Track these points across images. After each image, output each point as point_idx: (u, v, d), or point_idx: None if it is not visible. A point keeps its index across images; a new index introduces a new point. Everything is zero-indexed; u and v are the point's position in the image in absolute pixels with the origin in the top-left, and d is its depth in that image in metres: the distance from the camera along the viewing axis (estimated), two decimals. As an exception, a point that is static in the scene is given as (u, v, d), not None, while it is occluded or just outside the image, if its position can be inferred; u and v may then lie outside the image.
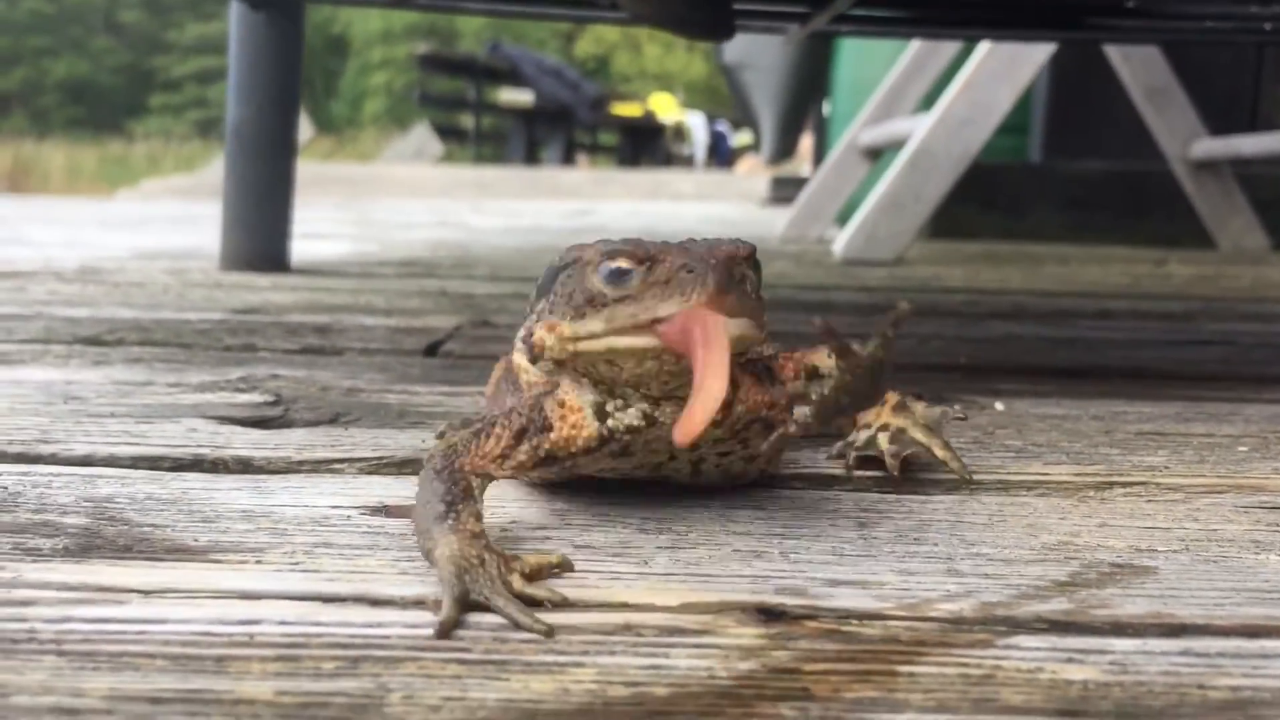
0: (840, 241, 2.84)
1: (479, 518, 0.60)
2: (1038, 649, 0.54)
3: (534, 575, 0.58)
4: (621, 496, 0.75)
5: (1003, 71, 2.73)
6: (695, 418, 0.56)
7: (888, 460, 0.79)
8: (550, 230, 3.89)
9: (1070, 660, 0.52)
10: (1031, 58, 2.74)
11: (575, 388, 0.66)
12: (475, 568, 0.56)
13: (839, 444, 0.83)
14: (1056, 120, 4.07)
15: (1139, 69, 3.32)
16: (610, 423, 0.66)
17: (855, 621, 0.56)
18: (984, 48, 2.74)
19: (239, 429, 0.92)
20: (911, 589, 0.61)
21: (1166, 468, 0.87)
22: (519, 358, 0.71)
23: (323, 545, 0.65)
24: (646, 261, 0.60)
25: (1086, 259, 3.06)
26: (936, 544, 0.69)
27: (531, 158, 14.15)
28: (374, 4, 2.14)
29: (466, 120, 15.28)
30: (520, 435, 0.65)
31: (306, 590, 0.58)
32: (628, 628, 0.55)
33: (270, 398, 1.02)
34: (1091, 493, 0.81)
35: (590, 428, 0.66)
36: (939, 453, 0.79)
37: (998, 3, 1.66)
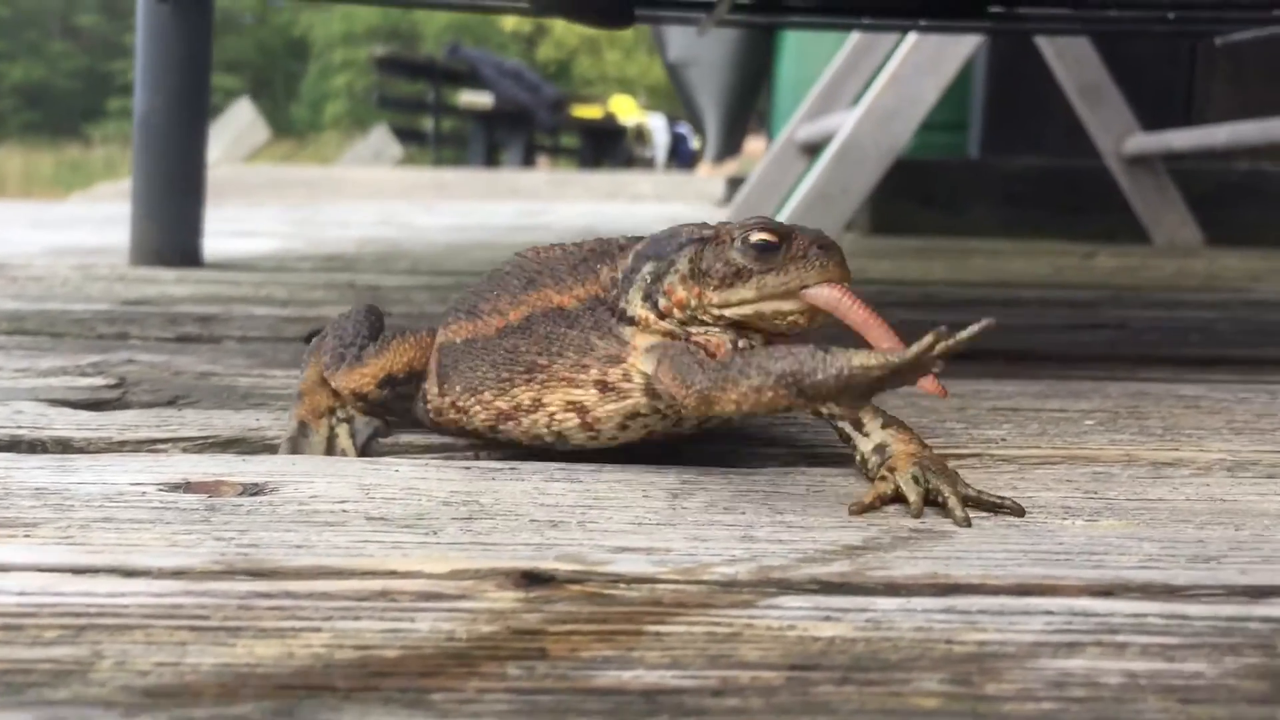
0: (768, 235, 2.83)
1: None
2: (798, 608, 0.52)
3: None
4: (441, 475, 0.74)
5: (928, 65, 2.74)
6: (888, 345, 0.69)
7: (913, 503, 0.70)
8: (496, 229, 3.87)
9: (827, 618, 0.51)
10: (957, 51, 2.75)
11: (709, 332, 0.75)
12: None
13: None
14: (994, 117, 4.08)
15: (1073, 65, 3.33)
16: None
17: (623, 585, 0.55)
18: (909, 42, 2.75)
19: (69, 411, 0.90)
20: (697, 554, 0.60)
21: (1004, 440, 0.86)
22: (625, 325, 0.76)
23: (102, 520, 0.63)
24: (784, 239, 0.72)
25: (1017, 253, 3.07)
26: (744, 513, 0.67)
27: (492, 160, 14.10)
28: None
29: (426, 123, 15.22)
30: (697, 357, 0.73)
31: (60, 562, 0.56)
32: (384, 594, 0.53)
33: (113, 381, 1.00)
34: (925, 465, 0.80)
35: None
36: (955, 510, 0.69)
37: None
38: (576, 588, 0.55)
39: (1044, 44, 3.28)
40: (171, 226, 2.17)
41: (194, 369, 1.08)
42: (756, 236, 0.73)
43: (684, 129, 16.34)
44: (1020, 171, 3.83)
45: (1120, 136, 3.35)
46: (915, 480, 0.71)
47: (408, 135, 15.66)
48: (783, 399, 0.66)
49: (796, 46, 4.52)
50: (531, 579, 0.55)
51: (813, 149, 3.51)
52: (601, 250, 0.81)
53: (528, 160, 14.68)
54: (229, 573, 0.56)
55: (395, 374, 0.83)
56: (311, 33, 27.80)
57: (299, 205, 5.37)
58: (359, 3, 2.04)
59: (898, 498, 0.71)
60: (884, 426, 0.78)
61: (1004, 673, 0.46)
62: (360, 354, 0.84)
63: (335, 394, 0.85)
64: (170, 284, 1.87)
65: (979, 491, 0.71)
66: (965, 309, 1.75)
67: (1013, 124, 4.04)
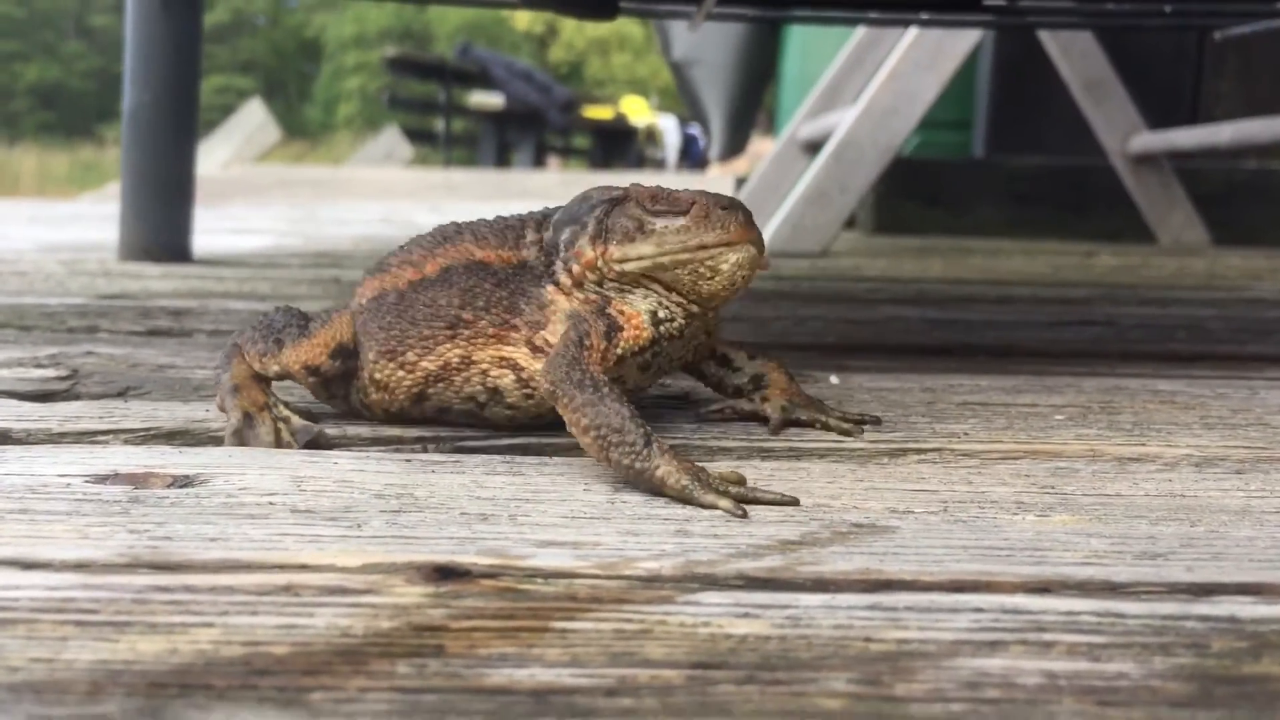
0: (767, 234, 2.80)
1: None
2: (717, 605, 0.50)
3: (727, 480, 0.68)
4: (380, 468, 0.72)
5: (927, 61, 2.71)
6: None
7: (773, 421, 0.85)
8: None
9: (745, 615, 0.49)
10: (956, 47, 2.72)
11: (627, 300, 0.77)
12: (699, 480, 0.66)
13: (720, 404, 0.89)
14: (1000, 116, 4.05)
15: (1078, 62, 3.29)
16: (661, 328, 0.77)
17: (540, 580, 0.53)
18: (908, 38, 2.72)
19: (13, 403, 0.88)
20: (625, 549, 0.58)
21: (968, 434, 0.84)
22: (549, 289, 0.78)
23: (18, 512, 0.62)
24: (690, 200, 0.74)
25: (1018, 252, 3.04)
26: (683, 507, 0.65)
27: (503, 161, 14.09)
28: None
29: (437, 123, 15.22)
30: (607, 336, 0.75)
31: (-40, 552, 0.55)
32: (288, 588, 0.51)
33: (65, 373, 0.98)
34: (883, 459, 0.78)
35: (648, 330, 0.77)
36: (831, 423, 0.85)
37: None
38: (490, 583, 0.52)
39: (1049, 41, 3.25)
40: (160, 223, 2.15)
41: (154, 361, 1.06)
42: (661, 195, 0.75)
43: (695, 130, 16.32)
44: (1025, 170, 3.79)
45: (1126, 135, 3.31)
46: (783, 409, 0.85)
47: (419, 136, 15.67)
48: (590, 447, 0.69)
49: (802, 43, 4.49)
50: (444, 573, 0.53)
51: (814, 147, 3.48)
52: (530, 220, 0.80)
53: (539, 161, 14.68)
54: (132, 566, 0.54)
55: (345, 343, 0.82)
56: (324, 34, 27.85)
57: (303, 204, 5.36)
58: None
59: (756, 416, 0.86)
60: (752, 358, 0.88)
61: (917, 672, 0.44)
62: (305, 329, 0.82)
63: (268, 388, 0.82)
64: (154, 279, 1.85)
65: (843, 412, 0.86)
66: (955, 306, 1.73)
67: (1018, 122, 4.01)
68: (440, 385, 0.79)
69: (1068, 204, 3.77)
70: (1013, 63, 3.91)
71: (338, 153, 18.19)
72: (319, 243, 2.86)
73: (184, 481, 0.67)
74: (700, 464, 0.69)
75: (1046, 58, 3.30)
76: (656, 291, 0.76)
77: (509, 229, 0.80)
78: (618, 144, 16.33)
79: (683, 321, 0.78)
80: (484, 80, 14.84)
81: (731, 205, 0.74)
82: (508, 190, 8.41)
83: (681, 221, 0.74)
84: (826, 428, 0.84)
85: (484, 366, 0.78)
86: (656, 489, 0.66)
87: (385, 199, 6.77)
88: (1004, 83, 4.01)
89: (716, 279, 0.75)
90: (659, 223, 0.74)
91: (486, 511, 0.64)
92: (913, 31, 2.70)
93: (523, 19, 22.69)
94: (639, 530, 0.61)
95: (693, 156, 16.23)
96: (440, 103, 15.26)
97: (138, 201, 2.15)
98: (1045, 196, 3.80)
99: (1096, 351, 1.27)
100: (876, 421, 0.86)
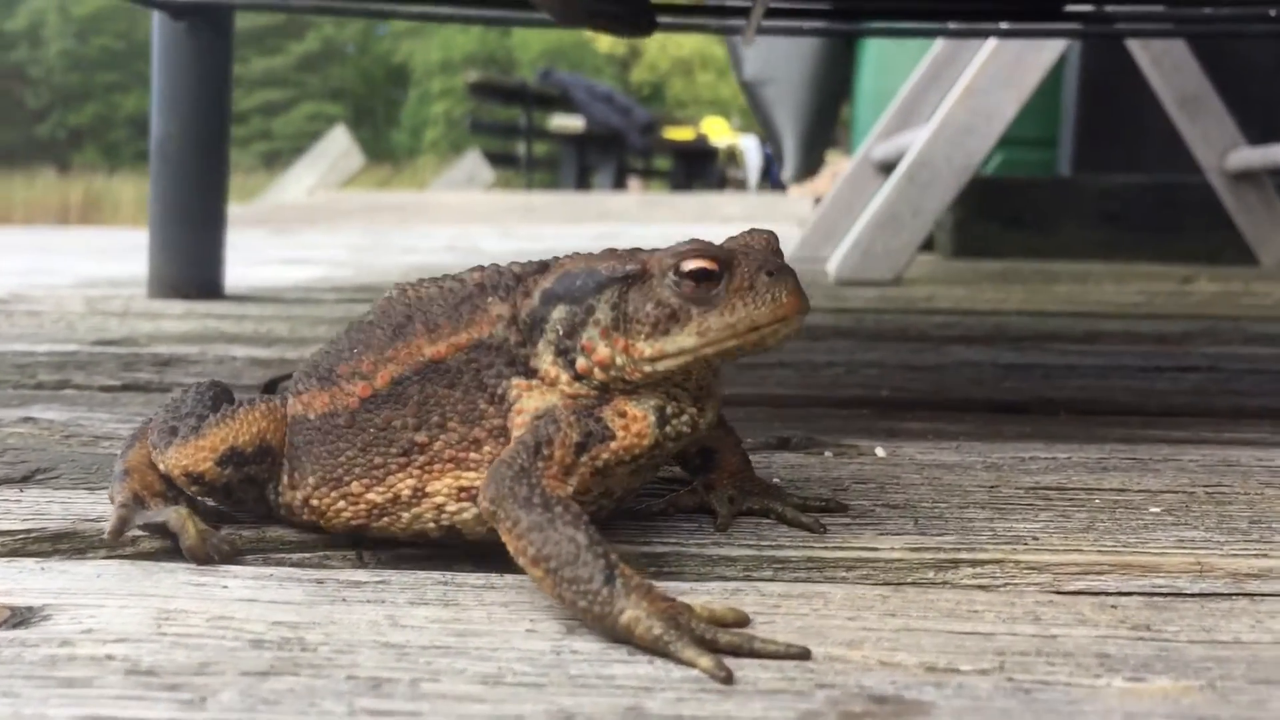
0: (834, 261, 2.63)
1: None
2: None
3: (718, 623, 0.53)
4: (277, 595, 0.58)
5: (1005, 76, 2.52)
6: None
7: (721, 516, 0.70)
8: (564, 250, 3.73)
9: None
10: (1038, 60, 2.53)
11: (631, 398, 0.61)
12: (677, 626, 0.51)
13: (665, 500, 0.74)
14: (1087, 132, 3.83)
15: (1171, 74, 3.08)
16: (668, 428, 0.62)
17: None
18: (986, 52, 2.54)
19: (-102, 490, 0.75)
20: (548, 743, 0.42)
21: (1036, 539, 0.66)
22: (515, 384, 0.62)
23: None
24: (725, 266, 0.59)
25: (1108, 277, 2.83)
26: (649, 664, 0.49)
27: (583, 183, 14.05)
28: (296, 9, 1.98)
29: (519, 147, 15.23)
30: (580, 449, 0.59)
31: None
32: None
33: (-21, 449, 0.85)
34: (925, 574, 0.62)
35: (651, 434, 0.62)
36: (787, 514, 0.71)
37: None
38: None
39: (1139, 52, 3.04)
40: (189, 257, 2.05)
41: (94, 430, 0.93)
42: (690, 265, 0.59)
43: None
44: (1114, 189, 3.57)
45: (1223, 150, 3.08)
46: (731, 501, 0.71)
47: (500, 159, 15.74)
48: (540, 583, 0.54)
49: (878, 59, 4.31)
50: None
51: (888, 168, 3.30)
52: (491, 284, 0.64)
53: (619, 183, 14.65)
54: None
55: (241, 449, 0.66)
56: (412, 60, 28.21)
57: (379, 230, 5.31)
58: (378, 15, 1.90)
59: (703, 509, 0.72)
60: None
61: None
62: (199, 425, 0.67)
63: (166, 480, 0.68)
64: (171, 319, 1.74)
65: (803, 499, 0.72)
66: (1034, 346, 1.54)
67: (1106, 139, 3.78)
68: (386, 520, 0.63)
69: (1161, 224, 3.55)
70: (1100, 77, 3.69)
71: (422, 177, 18.35)
72: (371, 274, 2.75)
73: (19, 619, 0.53)
74: (685, 599, 0.53)
75: (1136, 71, 3.09)
76: (673, 385, 0.62)
77: (464, 302, 0.64)
78: (699, 165, 16.26)
79: (694, 411, 0.63)
80: (565, 103, 14.89)
81: (778, 271, 0.59)
82: (586, 213, 8.33)
83: (720, 297, 0.59)
84: (782, 519, 0.70)
85: (439, 501, 0.62)
86: (623, 636, 0.51)
87: (462, 222, 6.71)
88: (1091, 98, 3.80)
89: (756, 350, 0.61)
90: (695, 304, 0.60)
91: (385, 674, 0.48)
92: (991, 45, 2.52)
93: (604, 42, 22.72)
94: (577, 708, 0.45)
95: (773, 177, 16.07)
96: (522, 126, 15.33)
97: (165, 236, 2.05)
98: (1137, 216, 3.58)
99: (1198, 409, 1.09)
100: (842, 509, 0.72)
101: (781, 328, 0.59)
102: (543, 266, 0.64)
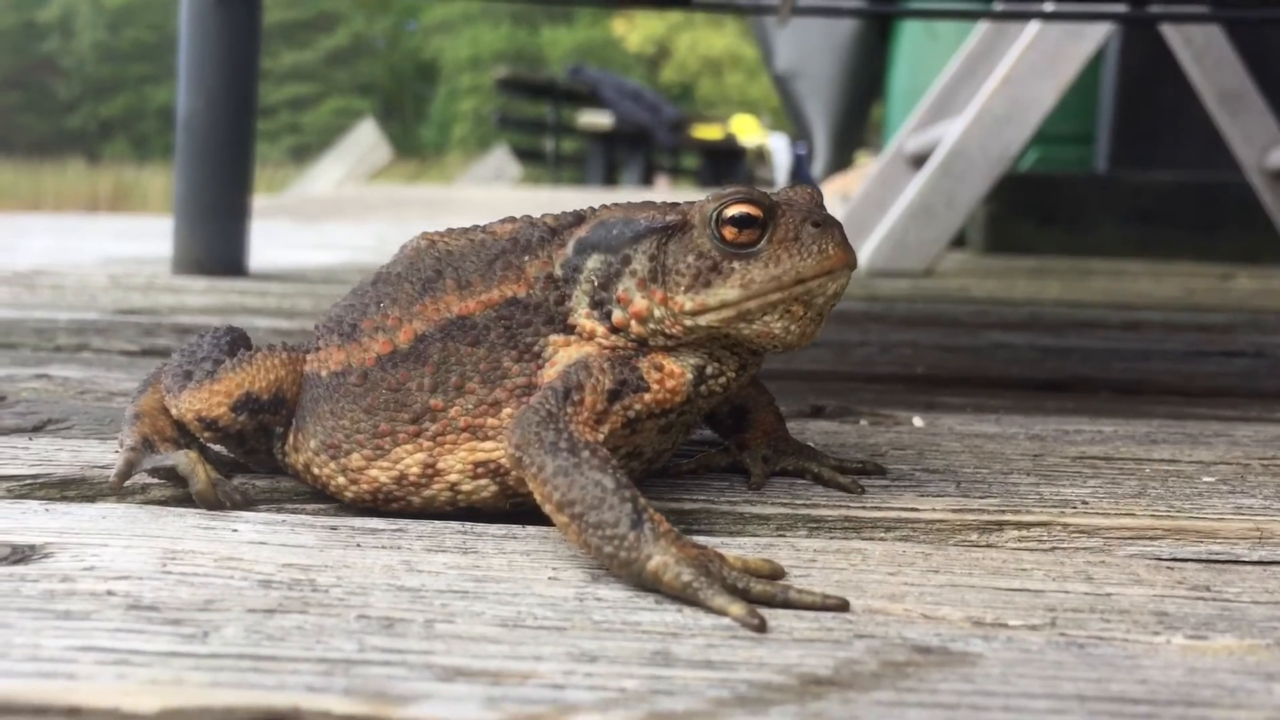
0: (865, 251, 2.59)
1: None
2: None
3: (752, 573, 0.50)
4: (289, 539, 0.55)
5: (1044, 65, 2.48)
6: None
7: (755, 475, 0.68)
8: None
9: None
10: (1077, 50, 2.48)
11: (671, 354, 0.59)
12: (708, 573, 0.48)
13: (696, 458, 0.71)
14: (1124, 129, 3.77)
15: (1212, 69, 3.02)
16: (703, 387, 0.60)
17: None
18: (1025, 40, 2.49)
19: (-95, 436, 0.73)
20: (566, 685, 0.39)
21: (1085, 503, 0.63)
22: (551, 340, 0.59)
23: None
24: (769, 213, 0.56)
25: (1145, 274, 2.78)
26: (678, 611, 0.47)
27: (610, 180, 14.03)
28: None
29: (546, 143, 15.23)
30: (613, 396, 0.57)
31: None
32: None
33: (-12, 401, 0.83)
34: (970, 536, 0.59)
35: (685, 391, 0.59)
36: (824, 474, 0.68)
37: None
38: None
39: (1180, 47, 2.99)
40: (213, 235, 2.03)
41: (110, 388, 0.91)
42: (734, 210, 0.56)
43: (804, 149, 16.09)
44: (1152, 186, 3.52)
45: (1264, 148, 3.02)
46: (765, 460, 0.69)
47: (528, 155, 15.74)
48: (565, 530, 0.51)
49: (911, 54, 4.27)
50: (275, 728, 0.35)
51: (921, 161, 3.26)
52: (525, 238, 0.61)
53: (646, 180, 14.62)
54: None
55: (257, 395, 0.63)
56: (441, 56, 28.25)
57: (405, 222, 5.30)
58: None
59: (735, 469, 0.70)
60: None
61: None
62: (214, 370, 0.64)
63: (178, 426, 0.65)
64: (194, 293, 1.72)
65: (839, 460, 0.69)
66: (1073, 331, 1.50)
67: (1144, 135, 3.73)
68: (396, 505, 0.60)
69: (1199, 223, 3.49)
70: (1139, 72, 3.64)
71: (449, 172, 18.36)
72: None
73: (21, 555, 0.51)
74: (719, 548, 0.50)
75: (1174, 66, 3.04)
76: (717, 343, 0.59)
77: (499, 258, 0.60)
78: (727, 163, 16.21)
79: (733, 375, 0.60)
80: (593, 100, 14.88)
81: (825, 222, 0.57)
82: (613, 210, 8.30)
83: (764, 249, 0.57)
84: (819, 479, 0.67)
85: (452, 479, 0.59)
86: (650, 584, 0.48)
87: (487, 217, 6.70)
88: (1129, 93, 3.74)
89: (807, 315, 0.57)
90: (737, 255, 0.57)
91: (399, 614, 0.46)
92: (1029, 34, 2.47)
93: (634, 40, 22.71)
94: (600, 652, 0.42)
95: (802, 176, 15.99)
96: (549, 122, 15.33)
97: (190, 213, 2.04)
98: (1174, 214, 3.53)
99: (1247, 390, 1.05)
100: (880, 471, 0.69)
101: (829, 281, 0.56)
102: (578, 218, 0.61)
